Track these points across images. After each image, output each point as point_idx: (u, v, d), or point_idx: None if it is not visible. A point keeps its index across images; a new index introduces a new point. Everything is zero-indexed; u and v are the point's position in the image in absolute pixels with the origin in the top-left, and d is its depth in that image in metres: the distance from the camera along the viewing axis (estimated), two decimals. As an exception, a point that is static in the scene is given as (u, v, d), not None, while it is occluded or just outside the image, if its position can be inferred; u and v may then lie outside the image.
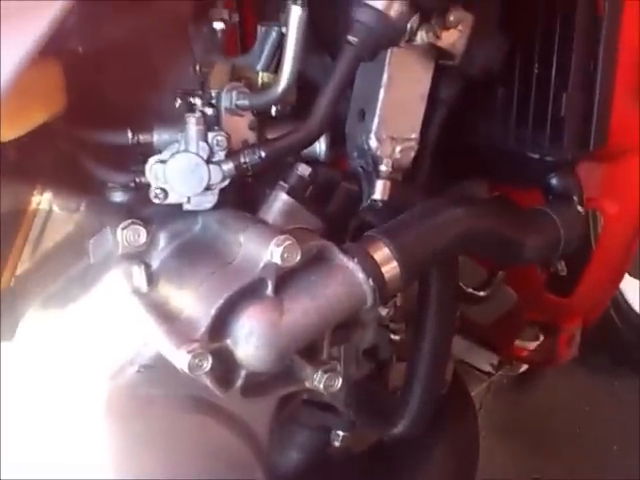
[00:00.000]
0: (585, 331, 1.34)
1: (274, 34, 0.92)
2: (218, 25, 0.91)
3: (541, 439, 1.67)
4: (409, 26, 0.78)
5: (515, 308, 1.35)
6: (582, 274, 1.20)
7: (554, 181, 0.98)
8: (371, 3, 0.76)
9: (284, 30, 0.86)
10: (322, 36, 0.93)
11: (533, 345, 1.42)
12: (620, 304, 1.78)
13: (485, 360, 1.50)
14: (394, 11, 0.77)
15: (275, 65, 0.93)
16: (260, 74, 0.95)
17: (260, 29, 0.93)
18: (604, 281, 1.24)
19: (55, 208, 0.90)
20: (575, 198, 0.97)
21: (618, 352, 1.80)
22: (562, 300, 1.25)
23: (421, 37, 0.81)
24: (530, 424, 1.71)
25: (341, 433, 1.07)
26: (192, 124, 0.78)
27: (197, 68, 0.92)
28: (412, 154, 0.92)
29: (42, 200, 0.90)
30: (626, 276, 1.50)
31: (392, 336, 1.03)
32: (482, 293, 1.27)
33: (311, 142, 0.82)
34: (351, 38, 0.77)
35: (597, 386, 1.81)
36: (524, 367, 1.61)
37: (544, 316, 1.32)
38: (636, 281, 1.76)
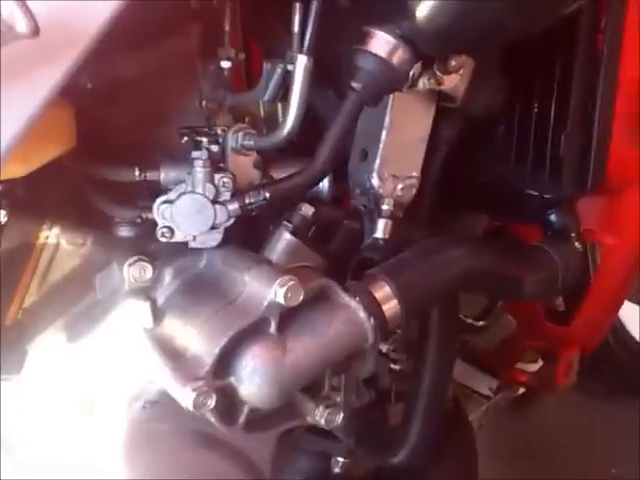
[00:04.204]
0: (583, 357, 1.35)
1: (279, 71, 0.94)
2: (225, 64, 0.93)
3: (540, 461, 1.68)
4: (411, 73, 0.80)
5: (514, 335, 1.36)
6: (581, 304, 1.22)
7: (553, 218, 1.00)
8: (374, 50, 0.78)
9: (289, 67, 0.89)
10: (325, 72, 0.95)
11: (533, 367, 1.43)
12: (617, 329, 1.79)
13: (485, 384, 1.51)
14: (396, 58, 0.78)
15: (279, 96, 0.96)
16: (261, 105, 0.98)
17: (266, 65, 0.95)
18: (602, 311, 1.26)
19: (63, 242, 0.92)
20: (573, 235, 0.99)
21: (616, 376, 1.80)
22: (561, 329, 1.26)
23: (423, 83, 0.83)
24: (529, 446, 1.72)
25: (341, 460, 1.08)
26: (199, 166, 0.80)
27: (204, 105, 0.95)
28: (413, 192, 0.93)
29: (50, 234, 0.91)
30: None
31: (392, 365, 1.05)
32: (481, 323, 1.28)
33: (315, 184, 0.84)
34: (355, 84, 0.79)
35: (595, 409, 1.81)
36: (522, 390, 1.62)
37: (543, 344, 1.33)
38: (633, 306, 1.77)
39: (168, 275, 0.84)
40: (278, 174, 0.91)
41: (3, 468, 0.83)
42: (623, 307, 1.46)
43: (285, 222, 0.84)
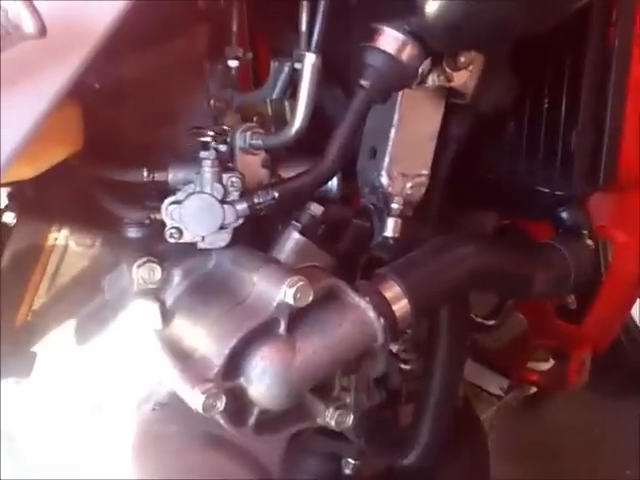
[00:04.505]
0: (595, 355, 1.34)
1: (286, 69, 0.93)
2: (233, 63, 0.93)
3: (551, 461, 1.67)
4: (420, 70, 0.79)
5: (525, 334, 1.35)
6: (592, 302, 1.21)
7: (564, 215, 0.99)
8: (382, 47, 0.78)
9: (297, 65, 0.88)
10: (334, 70, 0.94)
11: (544, 366, 1.42)
12: (629, 327, 1.78)
13: (495, 384, 1.50)
14: (405, 55, 0.78)
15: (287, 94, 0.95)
16: (269, 103, 0.98)
17: (273, 64, 0.95)
18: (614, 309, 1.25)
19: (72, 244, 0.92)
20: (585, 232, 0.98)
21: (628, 375, 1.79)
22: (572, 327, 1.25)
23: (432, 80, 0.82)
24: (540, 446, 1.71)
25: (352, 461, 1.07)
26: (207, 166, 0.80)
27: (212, 104, 0.94)
28: (423, 190, 0.93)
29: (59, 236, 0.91)
30: (636, 299, 1.50)
31: (403, 366, 1.04)
32: (492, 322, 1.27)
33: (324, 183, 0.84)
34: (363, 82, 0.78)
35: (607, 409, 1.80)
36: (533, 389, 1.61)
37: (554, 343, 1.32)
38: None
39: (177, 276, 0.84)
40: (287, 173, 0.90)
41: (3, 468, 0.84)
42: (635, 305, 1.45)
43: (294, 221, 0.84)
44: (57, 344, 0.88)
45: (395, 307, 0.80)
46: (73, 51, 0.64)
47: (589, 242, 0.98)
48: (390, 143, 0.89)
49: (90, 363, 0.84)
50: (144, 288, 0.82)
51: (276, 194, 0.80)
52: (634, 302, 1.32)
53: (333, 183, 0.92)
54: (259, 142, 0.86)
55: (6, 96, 0.61)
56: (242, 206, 0.80)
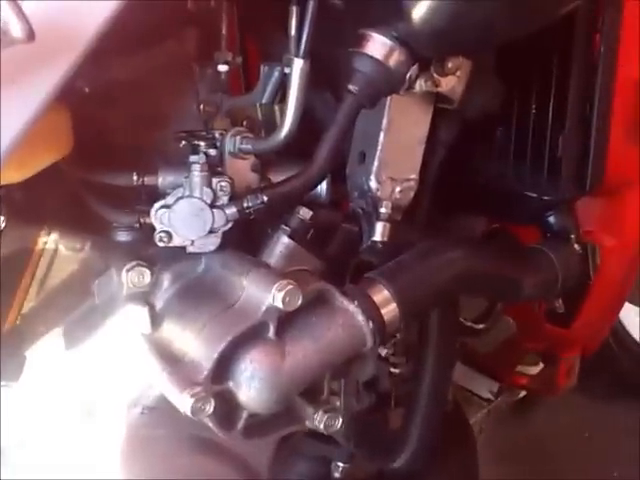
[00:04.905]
0: (584, 359, 1.35)
1: (276, 74, 0.94)
2: (222, 67, 0.93)
3: (541, 464, 1.68)
4: (408, 75, 0.79)
5: (514, 337, 1.36)
6: (581, 306, 1.21)
7: (552, 219, 1.00)
8: (370, 53, 0.78)
9: (287, 70, 0.88)
10: (324, 74, 0.95)
11: (534, 370, 1.43)
12: (618, 330, 1.79)
13: (485, 387, 1.51)
14: (393, 61, 0.78)
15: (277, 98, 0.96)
16: (258, 107, 0.98)
17: (263, 68, 0.95)
18: (603, 312, 1.26)
19: (61, 247, 0.92)
20: (572, 236, 0.99)
21: (616, 378, 1.80)
22: (561, 331, 1.26)
23: (420, 85, 0.83)
24: (530, 449, 1.72)
25: (341, 464, 1.08)
26: (196, 170, 0.80)
27: (201, 108, 0.95)
28: (411, 194, 0.93)
29: (48, 240, 0.91)
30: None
31: (392, 369, 1.04)
32: (481, 326, 1.28)
33: (313, 187, 0.84)
34: (351, 87, 0.79)
35: (596, 411, 1.81)
36: (523, 393, 1.62)
37: (544, 346, 1.33)
38: (634, 308, 1.77)
39: (166, 280, 0.84)
40: (276, 177, 0.91)
41: (3, 469, 0.83)
42: (623, 309, 1.46)
43: (283, 225, 0.84)
44: (47, 348, 0.88)
45: (384, 311, 0.80)
46: (62, 55, 0.64)
47: (576, 247, 0.99)
48: (379, 147, 0.90)
49: (79, 367, 0.84)
50: (133, 292, 0.82)
51: (265, 198, 0.80)
52: (622, 306, 1.33)
53: (322, 187, 0.93)
54: (248, 147, 0.86)
55: (-5, 100, 0.61)
56: (231, 210, 0.81)
